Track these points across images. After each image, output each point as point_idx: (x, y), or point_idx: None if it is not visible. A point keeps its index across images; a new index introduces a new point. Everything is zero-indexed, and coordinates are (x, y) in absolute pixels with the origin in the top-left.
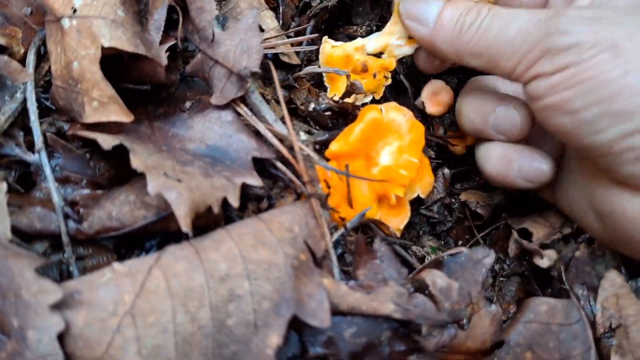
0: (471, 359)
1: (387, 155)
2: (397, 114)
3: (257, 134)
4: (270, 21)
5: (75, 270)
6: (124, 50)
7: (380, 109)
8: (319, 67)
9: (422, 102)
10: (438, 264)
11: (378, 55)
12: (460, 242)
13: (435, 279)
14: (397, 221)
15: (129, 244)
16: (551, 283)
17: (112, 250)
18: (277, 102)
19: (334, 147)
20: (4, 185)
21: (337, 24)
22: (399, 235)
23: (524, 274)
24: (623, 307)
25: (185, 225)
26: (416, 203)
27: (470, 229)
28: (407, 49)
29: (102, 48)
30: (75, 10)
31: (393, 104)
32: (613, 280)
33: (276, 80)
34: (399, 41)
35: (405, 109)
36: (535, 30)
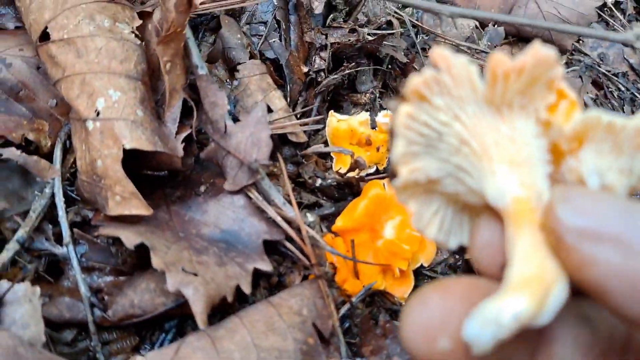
0: None
1: (391, 229)
2: None
3: (267, 217)
4: (278, 101)
5: (102, 357)
6: (145, 149)
7: (383, 185)
8: (325, 146)
9: None
10: None
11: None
12: None
13: None
14: (402, 290)
15: (149, 326)
16: None
17: (134, 334)
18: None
19: (339, 222)
20: (38, 290)
21: (342, 93)
22: (404, 303)
23: None
24: None
25: (201, 322)
26: (421, 266)
27: None
28: None
29: (124, 148)
30: (98, 113)
31: None
32: None
33: (282, 164)
34: None
35: None
36: None
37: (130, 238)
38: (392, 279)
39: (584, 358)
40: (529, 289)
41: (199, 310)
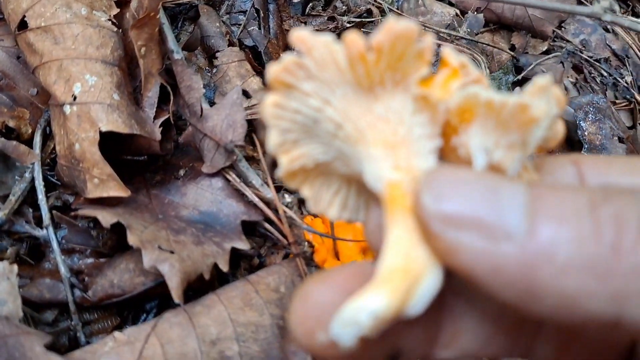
0: None
1: None
2: None
3: (245, 199)
4: (257, 87)
5: (82, 336)
6: (121, 132)
7: None
8: None
9: None
10: None
11: None
12: None
13: None
14: None
15: (131, 306)
16: None
17: (116, 314)
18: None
19: None
20: (15, 268)
21: None
22: None
23: None
24: None
25: (177, 297)
26: None
27: None
28: None
29: (100, 131)
30: (75, 98)
31: None
32: None
33: (259, 147)
34: None
35: None
36: None
37: (107, 217)
38: (372, 259)
39: (492, 329)
40: (390, 284)
41: (174, 285)
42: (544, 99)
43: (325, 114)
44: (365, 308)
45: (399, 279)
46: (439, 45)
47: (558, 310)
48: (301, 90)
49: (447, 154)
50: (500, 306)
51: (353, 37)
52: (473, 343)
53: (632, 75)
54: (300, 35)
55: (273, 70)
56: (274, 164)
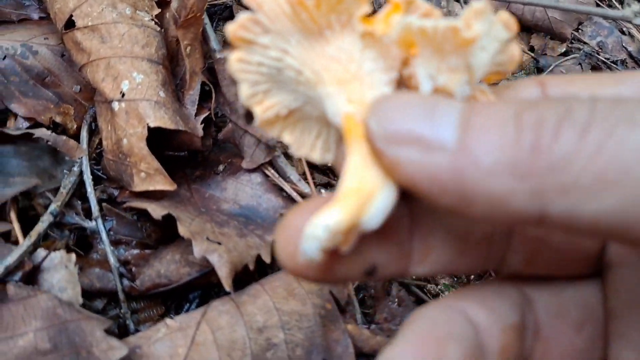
0: None
1: None
2: None
3: (283, 193)
4: None
5: (131, 324)
6: (167, 128)
7: None
8: None
9: None
10: None
11: None
12: (472, 276)
13: None
14: None
15: (174, 296)
16: None
17: (161, 303)
18: (298, 158)
19: None
20: (73, 257)
21: None
22: (413, 276)
23: None
24: None
25: (227, 286)
26: None
27: None
28: None
29: (148, 127)
30: (123, 95)
31: None
32: None
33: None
34: None
35: None
36: None
37: (157, 210)
38: None
39: (460, 244)
40: (344, 201)
41: (224, 275)
42: (484, 22)
43: (285, 63)
44: (320, 223)
45: (352, 197)
46: None
47: (489, 211)
48: (260, 44)
49: (408, 86)
50: (466, 222)
51: None
52: (444, 258)
53: None
54: None
55: (231, 28)
56: (309, 163)
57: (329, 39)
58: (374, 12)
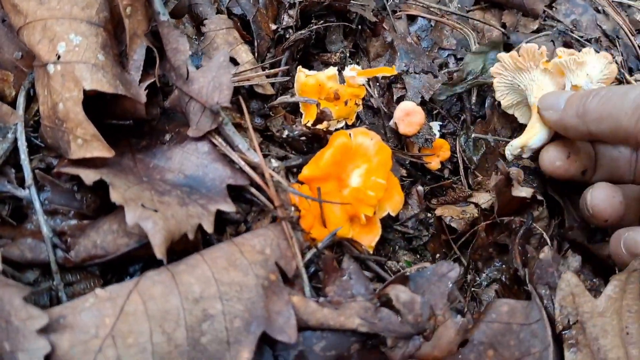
0: None
1: (357, 177)
2: (364, 138)
3: (232, 163)
4: (245, 55)
5: (64, 296)
6: (105, 91)
7: (349, 134)
8: (291, 96)
9: (395, 124)
10: (404, 279)
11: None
12: (437, 255)
13: (399, 293)
14: (369, 239)
15: (114, 269)
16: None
17: (99, 276)
18: (253, 129)
19: (305, 171)
20: None
21: (313, 52)
22: (371, 252)
23: (502, 280)
24: (579, 304)
25: (160, 253)
26: (391, 220)
27: (448, 242)
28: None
29: (84, 90)
30: (59, 57)
31: (361, 128)
32: (568, 281)
33: (246, 113)
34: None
35: (373, 132)
36: None
37: (89, 175)
38: (359, 227)
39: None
40: (523, 136)
41: (157, 242)
42: (590, 56)
43: (514, 81)
44: (511, 142)
45: (527, 134)
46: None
47: (574, 130)
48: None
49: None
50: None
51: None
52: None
53: (622, 56)
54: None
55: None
56: (262, 132)
57: (530, 71)
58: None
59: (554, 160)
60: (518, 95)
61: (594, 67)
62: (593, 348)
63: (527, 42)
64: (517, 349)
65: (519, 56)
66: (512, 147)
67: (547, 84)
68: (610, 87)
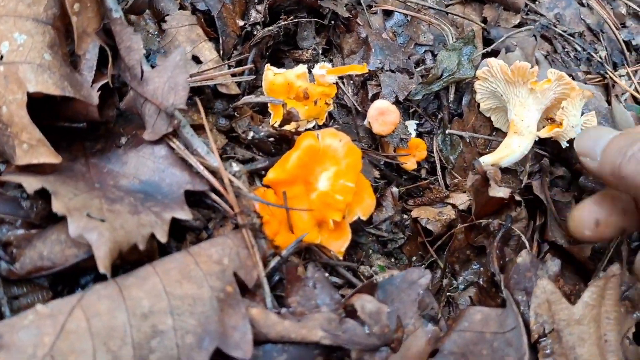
0: None
1: (325, 181)
2: (333, 140)
3: (190, 168)
4: (208, 52)
5: (7, 310)
6: (51, 94)
7: (317, 135)
8: (256, 96)
9: (369, 123)
10: (372, 288)
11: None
12: (414, 257)
13: (365, 303)
14: (338, 244)
15: (65, 280)
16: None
17: (48, 287)
18: (218, 131)
19: (271, 175)
20: None
21: (283, 49)
22: (341, 257)
23: (479, 283)
24: (555, 312)
25: (102, 267)
26: (364, 223)
27: (424, 244)
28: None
29: (29, 93)
30: (1, 57)
31: (330, 129)
32: (544, 288)
33: (203, 114)
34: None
35: (342, 134)
36: None
37: (32, 183)
38: (328, 233)
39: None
40: (496, 153)
41: (101, 255)
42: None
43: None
44: (483, 159)
45: (498, 153)
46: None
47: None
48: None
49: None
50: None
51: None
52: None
53: (606, 51)
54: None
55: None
56: (227, 133)
57: (517, 86)
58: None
59: (581, 229)
60: (498, 101)
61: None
62: (569, 357)
63: (507, 37)
64: (490, 358)
65: (510, 71)
66: (483, 163)
67: (530, 103)
68: None
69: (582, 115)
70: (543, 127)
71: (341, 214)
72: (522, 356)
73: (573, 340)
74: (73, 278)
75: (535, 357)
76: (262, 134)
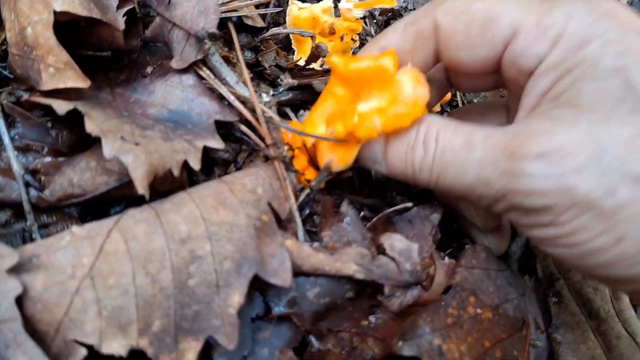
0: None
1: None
2: (409, 83)
3: (220, 97)
4: None
5: (39, 238)
6: (78, 14)
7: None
8: (284, 28)
9: None
10: (388, 222)
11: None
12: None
13: (394, 242)
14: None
15: (94, 210)
16: None
17: (77, 217)
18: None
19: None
20: None
21: None
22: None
23: None
24: None
25: (141, 188)
26: None
27: None
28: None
29: (55, 12)
30: None
31: (414, 71)
32: None
33: (236, 41)
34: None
35: (424, 86)
36: (496, 178)
37: (62, 105)
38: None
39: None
40: None
41: (138, 176)
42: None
43: None
44: None
45: None
46: None
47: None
48: None
49: None
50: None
51: None
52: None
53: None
54: None
55: None
56: (252, 67)
57: None
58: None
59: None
60: None
61: None
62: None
63: None
64: (495, 295)
65: None
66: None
67: None
68: (442, 137)
69: None
70: None
71: (364, 135)
72: (522, 294)
73: None
74: (102, 208)
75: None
76: (282, 88)
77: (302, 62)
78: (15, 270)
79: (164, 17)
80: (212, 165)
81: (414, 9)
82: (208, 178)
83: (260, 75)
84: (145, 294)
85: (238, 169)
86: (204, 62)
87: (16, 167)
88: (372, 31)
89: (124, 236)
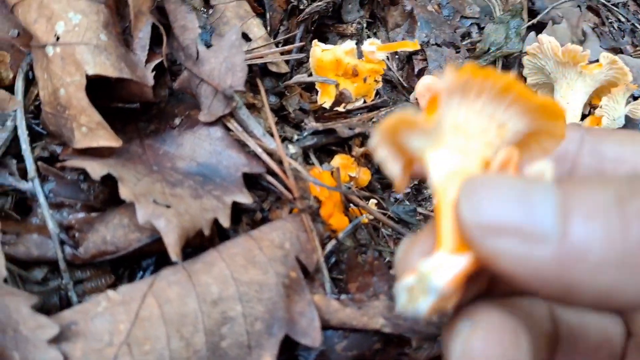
0: None
1: None
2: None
3: (246, 149)
4: (257, 29)
5: (74, 295)
6: (109, 76)
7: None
8: (308, 75)
9: (416, 99)
10: None
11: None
12: None
13: None
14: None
15: (126, 264)
16: None
17: (110, 271)
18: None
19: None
20: None
21: (327, 24)
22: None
23: None
24: None
25: (174, 254)
26: None
27: None
28: None
29: (87, 75)
30: (58, 38)
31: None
32: None
33: (262, 89)
34: None
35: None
36: None
37: (96, 169)
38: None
39: None
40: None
41: (171, 242)
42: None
43: None
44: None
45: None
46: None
47: (595, 303)
48: None
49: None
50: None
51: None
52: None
53: None
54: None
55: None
56: (276, 111)
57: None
58: None
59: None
60: (546, 78)
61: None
62: None
63: (552, 8)
64: None
65: (560, 52)
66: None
67: (578, 86)
68: None
69: (626, 104)
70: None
71: None
72: None
73: None
74: (134, 261)
75: None
76: (306, 133)
77: (326, 105)
78: (56, 339)
79: (191, 72)
80: (240, 214)
81: (436, 44)
82: (236, 227)
83: (284, 119)
84: (179, 358)
85: (264, 217)
86: (232, 114)
87: (51, 226)
88: (394, 66)
89: (158, 300)
